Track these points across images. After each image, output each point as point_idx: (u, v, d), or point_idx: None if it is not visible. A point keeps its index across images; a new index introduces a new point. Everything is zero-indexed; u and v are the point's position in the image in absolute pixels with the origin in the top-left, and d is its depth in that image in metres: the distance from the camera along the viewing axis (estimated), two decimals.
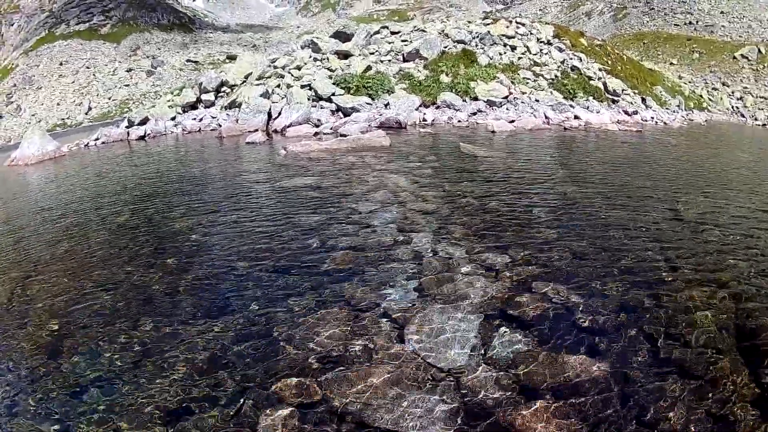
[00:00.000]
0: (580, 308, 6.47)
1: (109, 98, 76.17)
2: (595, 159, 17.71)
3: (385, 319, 6.39)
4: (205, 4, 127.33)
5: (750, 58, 66.70)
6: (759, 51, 66.90)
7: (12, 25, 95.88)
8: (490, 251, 8.26)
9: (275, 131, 25.44)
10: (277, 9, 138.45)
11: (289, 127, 24.89)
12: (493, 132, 23.16)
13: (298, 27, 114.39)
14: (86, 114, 72.52)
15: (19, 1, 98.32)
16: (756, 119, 56.03)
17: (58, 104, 75.56)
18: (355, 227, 9.63)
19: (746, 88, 62.83)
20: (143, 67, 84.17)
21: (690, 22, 79.29)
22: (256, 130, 25.22)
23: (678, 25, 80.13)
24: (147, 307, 7.11)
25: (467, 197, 11.44)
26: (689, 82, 63.49)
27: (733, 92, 62.57)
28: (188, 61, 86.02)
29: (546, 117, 27.79)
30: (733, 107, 59.66)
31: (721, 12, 78.24)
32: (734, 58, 67.75)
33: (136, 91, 77.47)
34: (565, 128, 25.79)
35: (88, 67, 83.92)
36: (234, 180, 14.92)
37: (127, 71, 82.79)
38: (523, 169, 15.03)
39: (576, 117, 28.63)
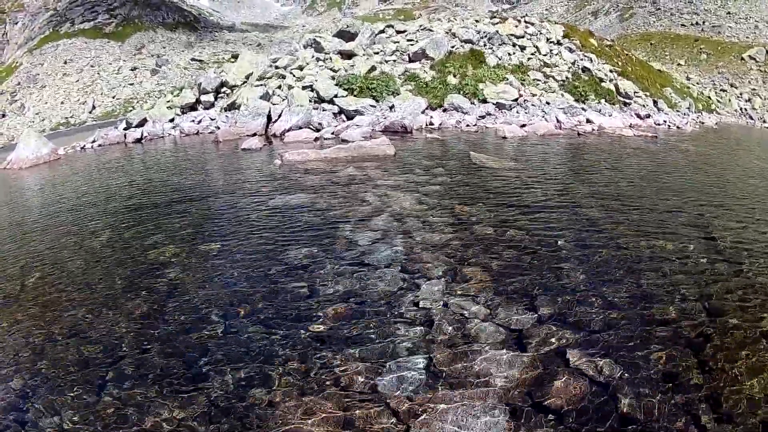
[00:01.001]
0: (624, 390, 4.96)
1: (113, 97, 74.87)
2: (614, 171, 15.97)
3: (386, 414, 4.77)
4: (210, 3, 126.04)
5: (758, 59, 65.28)
6: (767, 52, 65.22)
7: (16, 23, 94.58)
8: (512, 304, 6.62)
9: (274, 135, 23.83)
10: (282, 8, 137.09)
11: (288, 131, 23.30)
12: (504, 138, 21.48)
13: (304, 26, 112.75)
14: (90, 113, 71.33)
15: None
16: (764, 121, 54.94)
17: (62, 103, 74.31)
18: (352, 266, 7.96)
19: (754, 89, 61.46)
20: (148, 65, 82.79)
21: (697, 23, 77.90)
22: (255, 134, 23.69)
23: (685, 26, 78.75)
24: (111, 369, 5.79)
25: (481, 224, 9.70)
26: (697, 84, 62.10)
27: (741, 94, 61.31)
28: (193, 60, 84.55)
29: (558, 121, 26.19)
30: (741, 109, 58.42)
31: (728, 13, 76.81)
32: (742, 59, 66.32)
33: (140, 89, 76.12)
34: (578, 133, 24.13)
35: (92, 66, 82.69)
36: (223, 196, 13.20)
37: (132, 70, 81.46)
38: (540, 184, 13.26)
39: (588, 121, 27.09)
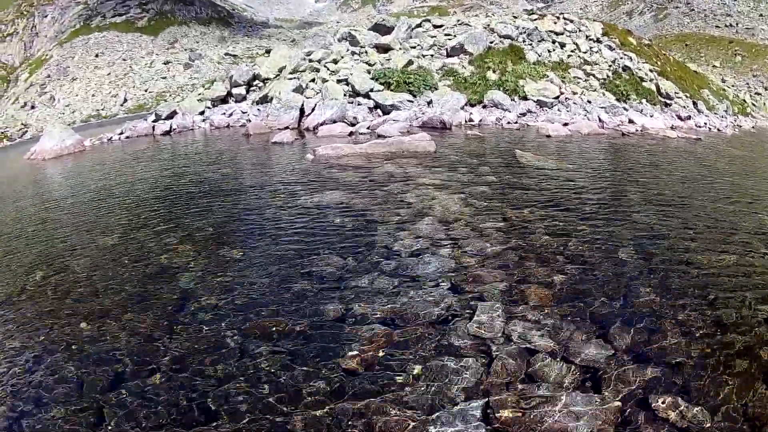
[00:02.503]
0: None
1: (146, 90, 73.97)
2: (664, 173, 14.63)
3: None
4: None
5: None
6: None
7: (46, 17, 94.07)
8: (581, 333, 5.40)
9: (307, 129, 22.60)
10: (317, 5, 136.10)
11: (322, 125, 22.03)
12: (548, 136, 20.09)
13: (338, 22, 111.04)
14: (122, 105, 70.51)
15: None
16: None
17: (93, 95, 73.58)
18: (392, 280, 6.69)
19: None
20: (181, 60, 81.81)
21: (730, 24, 75.79)
22: (287, 128, 22.44)
23: (719, 27, 76.74)
24: (112, 393, 4.89)
25: (537, 232, 8.38)
26: (732, 86, 60.04)
27: None
28: (226, 54, 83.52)
29: (600, 120, 24.82)
30: None
31: (760, 15, 74.59)
32: None
33: (173, 83, 75.18)
34: (622, 134, 22.71)
35: (124, 59, 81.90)
36: (248, 193, 11.99)
37: (165, 63, 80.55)
38: (592, 187, 11.94)
39: (630, 121, 25.75)
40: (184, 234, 9.07)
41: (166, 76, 77.05)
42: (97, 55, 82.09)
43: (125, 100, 71.85)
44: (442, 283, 6.53)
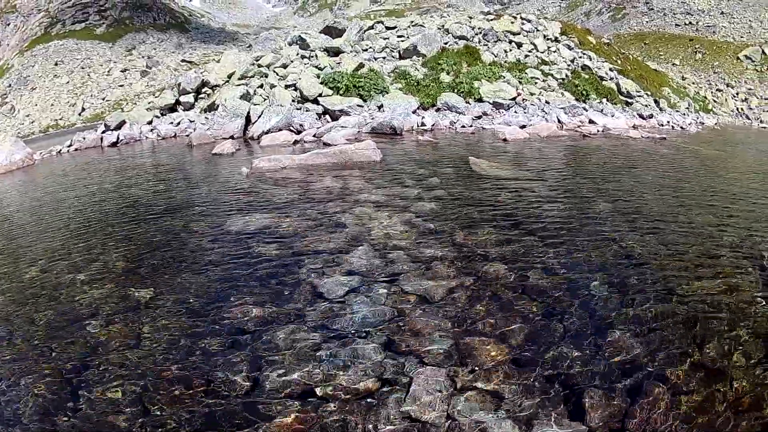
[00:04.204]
0: None
1: (103, 99, 71.89)
2: (632, 179, 13.25)
3: None
4: (201, 4, 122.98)
5: (754, 59, 63.12)
6: (763, 52, 63.22)
7: (8, 25, 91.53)
8: (549, 407, 4.10)
9: (252, 138, 21.21)
10: (273, 9, 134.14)
11: (266, 133, 20.63)
12: (504, 140, 18.84)
13: (295, 27, 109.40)
14: (80, 115, 68.59)
15: (15, 1, 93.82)
16: (761, 121, 52.85)
17: (52, 105, 71.55)
18: (313, 335, 5.26)
19: (750, 89, 59.39)
20: (138, 67, 79.82)
21: (690, 23, 75.78)
22: (232, 137, 21.04)
23: (679, 26, 76.62)
24: None
25: (491, 261, 6.93)
26: (693, 83, 59.89)
27: (737, 93, 59.12)
28: (183, 61, 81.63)
29: (559, 121, 23.72)
30: (737, 109, 56.40)
31: (721, 12, 74.83)
32: (738, 59, 64.13)
33: (130, 91, 73.14)
34: (584, 135, 21.52)
35: (83, 68, 79.86)
36: (175, 215, 10.35)
37: (122, 71, 78.55)
38: (554, 199, 10.53)
39: (591, 121, 24.67)
40: (101, 267, 7.53)
41: (123, 84, 75.02)
42: (56, 64, 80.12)
43: (83, 110, 70.01)
44: (374, 339, 5.14)
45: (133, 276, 7.21)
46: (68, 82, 76.22)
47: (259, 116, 22.53)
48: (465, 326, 5.37)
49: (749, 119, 53.88)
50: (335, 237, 8.14)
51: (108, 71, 78.66)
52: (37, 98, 72.94)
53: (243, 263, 7.33)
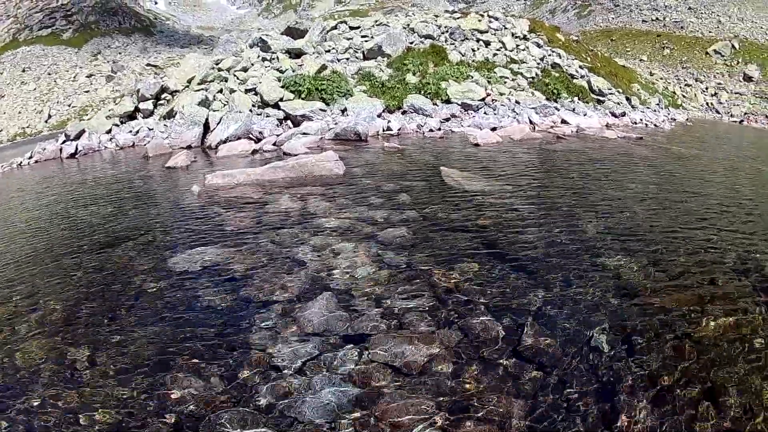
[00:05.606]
0: None
1: (69, 105, 70.00)
2: (617, 189, 11.92)
3: None
4: (166, 8, 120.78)
5: (723, 53, 62.79)
6: (732, 46, 62.90)
7: None
8: None
9: (209, 147, 19.85)
10: (238, 11, 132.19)
11: (224, 142, 19.28)
12: (476, 145, 17.69)
13: (259, 29, 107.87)
14: (46, 122, 66.68)
15: None
16: (732, 115, 52.78)
17: (19, 113, 69.52)
18: (263, 430, 4.02)
19: (720, 84, 59.10)
20: (104, 72, 77.87)
21: (657, 19, 75.51)
22: (189, 146, 19.71)
23: (646, 21, 76.33)
24: None
25: (475, 310, 5.62)
26: (661, 79, 59.54)
27: (706, 88, 58.82)
28: (148, 65, 79.77)
29: (531, 122, 22.70)
30: (707, 104, 56.10)
31: (689, 8, 74.53)
32: (707, 53, 63.78)
33: (95, 96, 71.24)
34: (558, 137, 20.44)
35: (49, 74, 77.96)
36: (116, 248, 8.62)
37: (88, 77, 76.57)
38: (537, 218, 9.18)
39: (564, 121, 23.76)
40: (36, 321, 6.16)
41: (89, 90, 73.11)
42: (24, 70, 78.33)
43: (50, 116, 68.21)
44: None
45: (65, 336, 5.71)
46: (35, 89, 74.36)
47: (218, 123, 21.21)
48: (453, 410, 4.15)
49: (719, 113, 53.78)
50: (292, 280, 6.74)
51: (74, 77, 76.74)
52: (6, 106, 70.97)
53: (185, 320, 5.92)
